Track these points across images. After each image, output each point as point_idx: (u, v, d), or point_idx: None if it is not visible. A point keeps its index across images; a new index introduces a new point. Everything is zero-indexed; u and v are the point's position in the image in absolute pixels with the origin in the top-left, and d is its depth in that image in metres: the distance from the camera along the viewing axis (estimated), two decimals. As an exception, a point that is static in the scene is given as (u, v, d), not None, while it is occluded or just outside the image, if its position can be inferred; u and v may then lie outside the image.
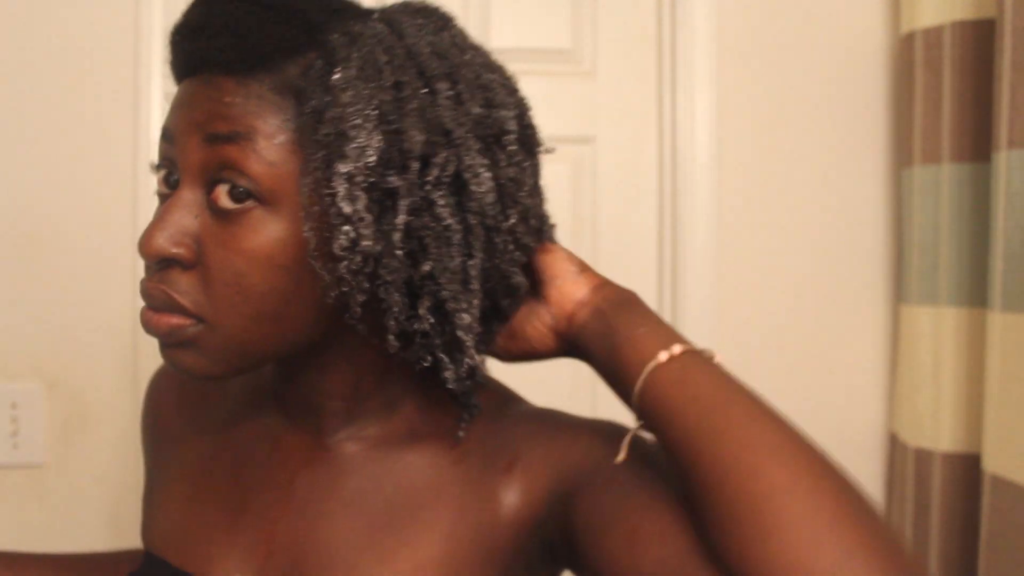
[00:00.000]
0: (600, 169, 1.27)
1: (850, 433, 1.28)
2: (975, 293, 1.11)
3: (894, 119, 1.27)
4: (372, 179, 0.46)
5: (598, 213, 1.27)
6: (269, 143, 0.46)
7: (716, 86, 1.23)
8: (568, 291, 0.53)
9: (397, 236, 0.47)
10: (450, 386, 0.53)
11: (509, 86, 0.54)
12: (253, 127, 0.46)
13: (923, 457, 1.15)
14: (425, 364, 0.52)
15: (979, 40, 1.09)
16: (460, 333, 0.50)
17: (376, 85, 0.46)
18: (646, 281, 1.28)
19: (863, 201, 1.28)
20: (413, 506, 0.53)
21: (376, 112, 0.46)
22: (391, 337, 0.50)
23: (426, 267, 0.48)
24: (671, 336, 0.48)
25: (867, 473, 1.28)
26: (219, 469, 0.58)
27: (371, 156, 0.46)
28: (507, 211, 0.51)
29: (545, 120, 1.25)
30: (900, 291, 1.23)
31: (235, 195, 0.46)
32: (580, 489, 0.49)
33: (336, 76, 0.46)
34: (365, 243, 0.46)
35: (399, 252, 0.47)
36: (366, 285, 0.48)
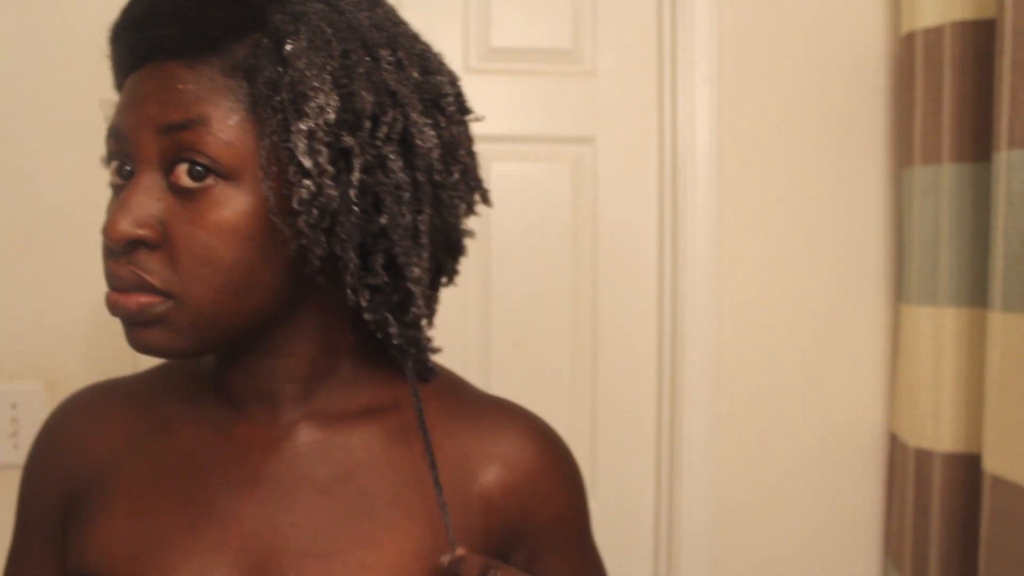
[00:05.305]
0: (600, 169, 1.27)
1: (850, 433, 1.28)
2: (975, 293, 1.11)
3: (894, 119, 1.27)
4: (328, 139, 0.49)
5: (598, 213, 1.27)
6: (224, 124, 0.48)
7: (716, 86, 1.23)
8: None
9: (353, 192, 0.50)
10: (396, 341, 0.55)
11: (439, 57, 0.58)
12: (206, 113, 0.48)
13: (923, 457, 1.15)
14: (376, 326, 0.54)
15: (979, 40, 1.09)
16: (410, 285, 0.53)
17: (325, 54, 0.50)
18: (646, 281, 1.28)
19: (863, 201, 1.28)
20: (390, 492, 0.55)
21: (329, 77, 0.49)
22: (349, 292, 0.52)
23: (381, 221, 0.51)
24: None
25: (867, 473, 1.29)
26: (167, 476, 0.56)
27: (330, 114, 0.49)
28: (450, 168, 0.55)
29: (545, 120, 1.25)
30: (900, 291, 1.23)
31: (194, 174, 0.48)
32: (539, 541, 0.58)
33: (288, 48, 0.49)
34: (325, 195, 0.49)
35: (355, 208, 0.50)
36: (323, 240, 0.50)
